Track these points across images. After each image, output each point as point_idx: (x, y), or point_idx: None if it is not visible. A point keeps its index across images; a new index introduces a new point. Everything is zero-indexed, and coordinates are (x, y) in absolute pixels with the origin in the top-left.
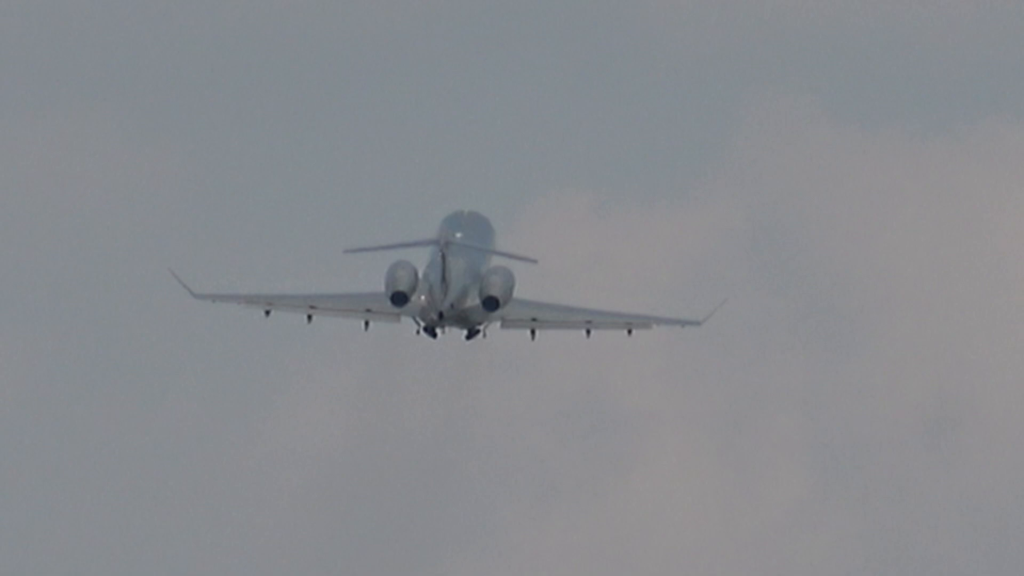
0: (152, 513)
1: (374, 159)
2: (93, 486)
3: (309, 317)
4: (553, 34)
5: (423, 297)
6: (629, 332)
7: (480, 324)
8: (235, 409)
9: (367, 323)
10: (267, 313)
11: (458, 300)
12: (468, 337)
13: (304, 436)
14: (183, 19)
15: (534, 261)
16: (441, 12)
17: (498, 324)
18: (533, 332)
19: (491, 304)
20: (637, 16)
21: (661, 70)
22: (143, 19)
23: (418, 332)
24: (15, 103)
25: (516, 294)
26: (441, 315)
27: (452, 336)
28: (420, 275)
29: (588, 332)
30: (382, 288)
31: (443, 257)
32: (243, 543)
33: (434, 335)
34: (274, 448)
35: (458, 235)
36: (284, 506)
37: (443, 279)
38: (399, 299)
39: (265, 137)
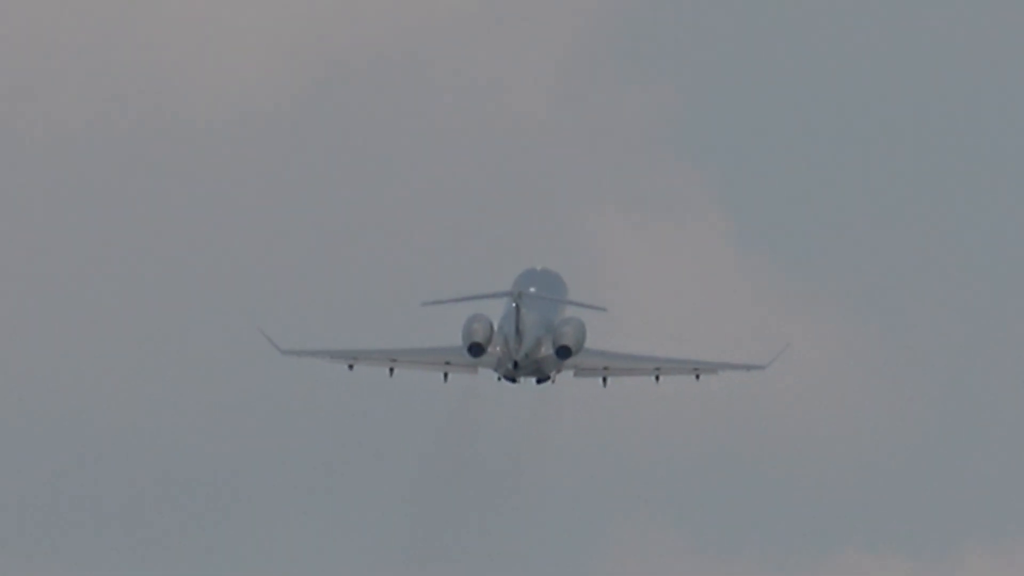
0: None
1: (450, 214)
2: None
3: (391, 371)
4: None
5: (499, 348)
6: (697, 377)
7: (553, 372)
8: (325, 458)
9: (446, 375)
10: (351, 367)
11: (532, 350)
12: (538, 383)
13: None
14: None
15: (603, 309)
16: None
17: (571, 372)
18: (604, 379)
19: (564, 353)
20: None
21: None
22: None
23: (499, 379)
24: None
25: (588, 343)
26: (516, 365)
27: (527, 384)
28: (495, 327)
29: (657, 378)
30: (459, 341)
31: (517, 308)
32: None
33: (514, 381)
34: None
35: (531, 289)
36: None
37: (517, 330)
38: (476, 350)
39: (343, 194)
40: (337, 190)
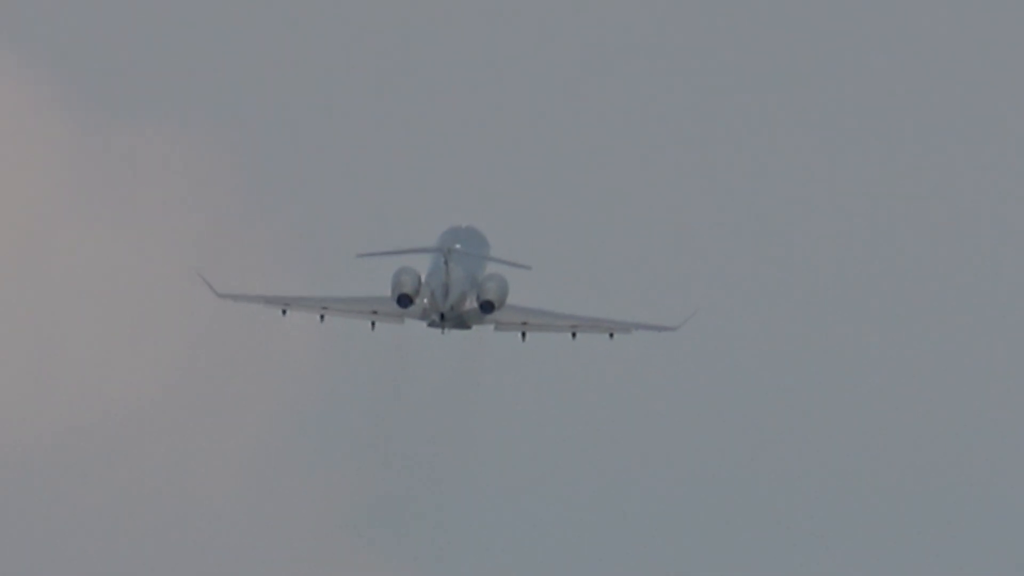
0: (161, 496)
1: (381, 170)
2: (117, 467)
3: (322, 317)
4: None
5: (426, 300)
6: (611, 336)
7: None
8: (255, 399)
9: (373, 323)
10: (284, 312)
11: (457, 303)
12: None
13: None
14: (206, 22)
15: (528, 267)
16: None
17: (492, 327)
18: (524, 334)
19: (487, 308)
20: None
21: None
22: (174, 21)
23: (429, 325)
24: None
25: (509, 300)
26: (442, 316)
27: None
28: (423, 280)
29: (573, 335)
30: (388, 292)
31: (446, 263)
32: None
33: (441, 330)
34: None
35: (457, 245)
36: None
37: (444, 284)
38: (404, 301)
39: (287, 146)
40: (281, 144)
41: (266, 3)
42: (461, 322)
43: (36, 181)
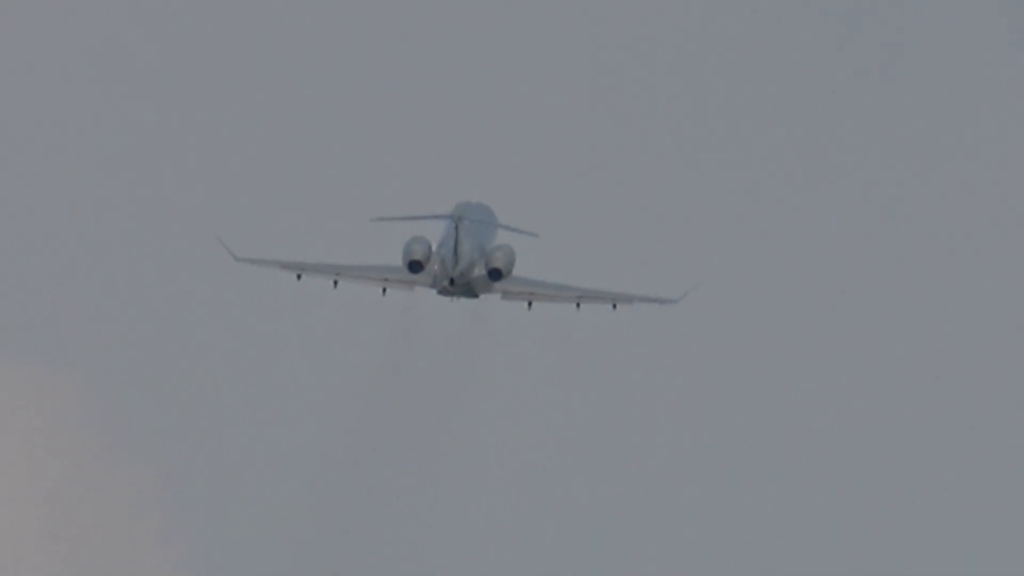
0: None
1: (397, 144)
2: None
3: (335, 283)
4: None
5: (436, 266)
6: (614, 307)
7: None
8: (269, 360)
9: (385, 289)
10: (299, 277)
11: (467, 270)
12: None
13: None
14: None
15: (535, 235)
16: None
17: (500, 296)
18: (530, 304)
19: (495, 275)
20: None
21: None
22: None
23: (439, 292)
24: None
25: (517, 270)
26: (452, 282)
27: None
28: (433, 248)
29: (578, 305)
30: (398, 260)
31: (456, 230)
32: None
33: (451, 298)
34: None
35: (468, 217)
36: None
37: (455, 251)
38: (415, 267)
39: (305, 121)
40: (300, 118)
41: None
42: (470, 290)
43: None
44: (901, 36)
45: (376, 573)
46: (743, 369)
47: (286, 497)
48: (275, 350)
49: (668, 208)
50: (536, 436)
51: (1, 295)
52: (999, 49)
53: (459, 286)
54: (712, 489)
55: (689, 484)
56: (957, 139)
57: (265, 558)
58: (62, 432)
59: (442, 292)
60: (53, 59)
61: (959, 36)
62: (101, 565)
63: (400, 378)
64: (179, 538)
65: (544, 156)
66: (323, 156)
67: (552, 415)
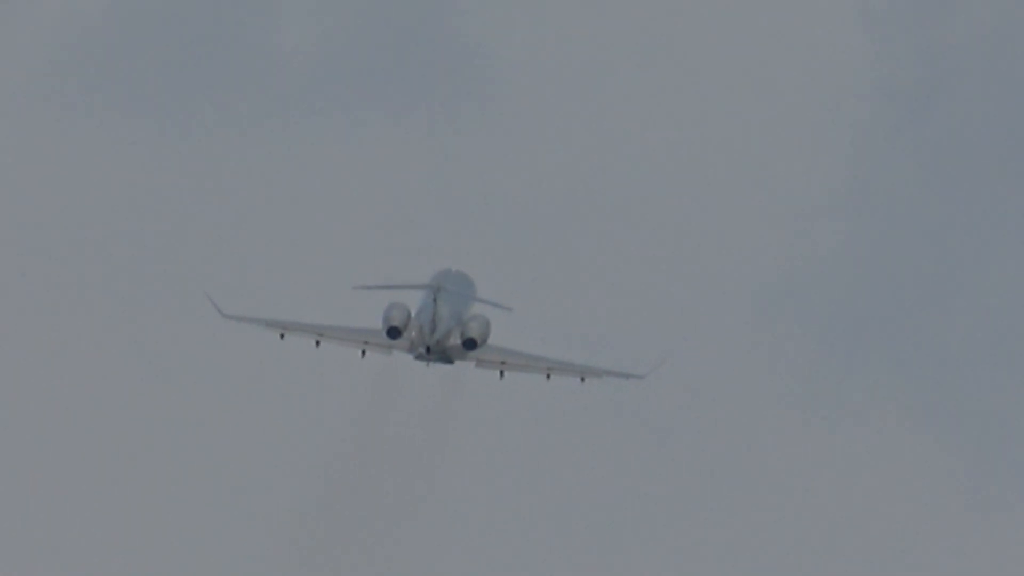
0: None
1: (383, 214)
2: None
3: (317, 343)
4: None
5: (414, 333)
6: (582, 380)
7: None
8: (249, 413)
9: (364, 352)
10: (282, 336)
11: (443, 338)
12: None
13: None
14: (214, 59)
15: (510, 309)
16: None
17: (473, 364)
18: (502, 372)
19: (470, 344)
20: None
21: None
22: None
23: (416, 357)
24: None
25: (491, 340)
26: (428, 349)
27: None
28: (412, 315)
29: (548, 376)
30: (379, 324)
31: (435, 300)
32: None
33: (426, 363)
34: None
35: (446, 286)
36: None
37: (432, 319)
38: (393, 333)
39: (294, 189)
40: (291, 185)
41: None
42: (445, 356)
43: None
44: None
45: None
46: (706, 445)
47: (257, 545)
48: (256, 404)
49: (638, 287)
50: (500, 499)
51: None
52: None
53: (435, 353)
54: (670, 557)
55: (645, 551)
56: None
57: None
58: (48, 479)
59: (419, 357)
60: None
61: None
62: None
63: (373, 437)
64: None
65: (523, 231)
66: (310, 222)
67: (517, 480)
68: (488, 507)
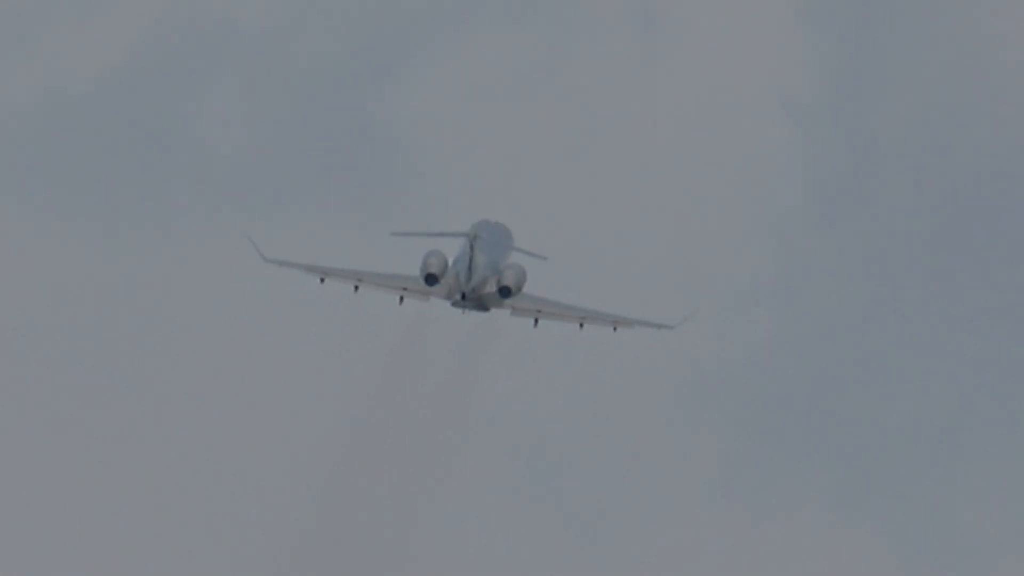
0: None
1: (425, 163)
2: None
3: (356, 288)
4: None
5: (451, 280)
6: (615, 329)
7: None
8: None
9: (402, 298)
10: (322, 281)
11: (479, 286)
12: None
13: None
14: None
15: (545, 258)
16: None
17: (509, 312)
18: (536, 321)
19: (505, 292)
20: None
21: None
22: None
23: (452, 304)
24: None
25: (527, 289)
26: (463, 296)
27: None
28: (449, 263)
29: (581, 325)
30: (417, 271)
31: (471, 248)
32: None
33: (462, 310)
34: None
35: (483, 235)
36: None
37: (469, 267)
38: (431, 280)
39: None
40: (338, 137)
41: None
42: (481, 304)
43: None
44: None
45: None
46: (731, 394)
47: (291, 492)
48: (294, 346)
49: (674, 238)
50: (529, 443)
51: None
52: None
53: (471, 300)
54: (694, 508)
55: (667, 500)
56: None
57: (268, 549)
58: (87, 423)
59: (455, 304)
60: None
61: None
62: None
63: (406, 380)
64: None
65: (562, 183)
66: (353, 171)
67: (546, 425)
68: (515, 445)
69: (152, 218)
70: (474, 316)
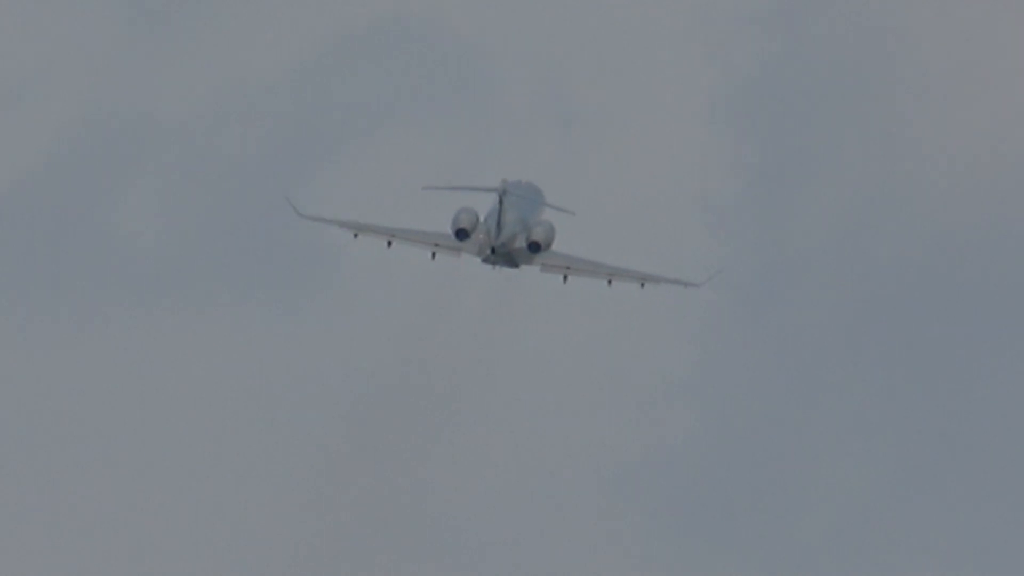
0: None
1: (459, 122)
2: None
3: (389, 243)
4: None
5: (481, 235)
6: (642, 285)
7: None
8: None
9: (434, 254)
10: (355, 236)
11: (508, 241)
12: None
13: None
14: None
15: (573, 213)
16: None
17: (538, 268)
18: (565, 277)
19: (534, 248)
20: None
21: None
22: None
23: (483, 260)
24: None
25: (557, 247)
26: (493, 250)
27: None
28: (480, 219)
29: (609, 282)
30: (448, 228)
31: (501, 202)
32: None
33: (493, 266)
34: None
35: (513, 192)
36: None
37: (498, 223)
38: (462, 235)
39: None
40: (372, 99)
41: None
42: (511, 260)
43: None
44: None
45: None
46: (756, 355)
47: (320, 435)
48: (329, 297)
49: (702, 197)
50: (551, 402)
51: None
52: None
53: (500, 255)
54: (704, 465)
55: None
56: None
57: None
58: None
59: (485, 260)
60: None
61: None
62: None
63: (436, 333)
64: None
65: (592, 145)
66: (389, 129)
67: (571, 381)
68: (541, 408)
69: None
70: (504, 271)
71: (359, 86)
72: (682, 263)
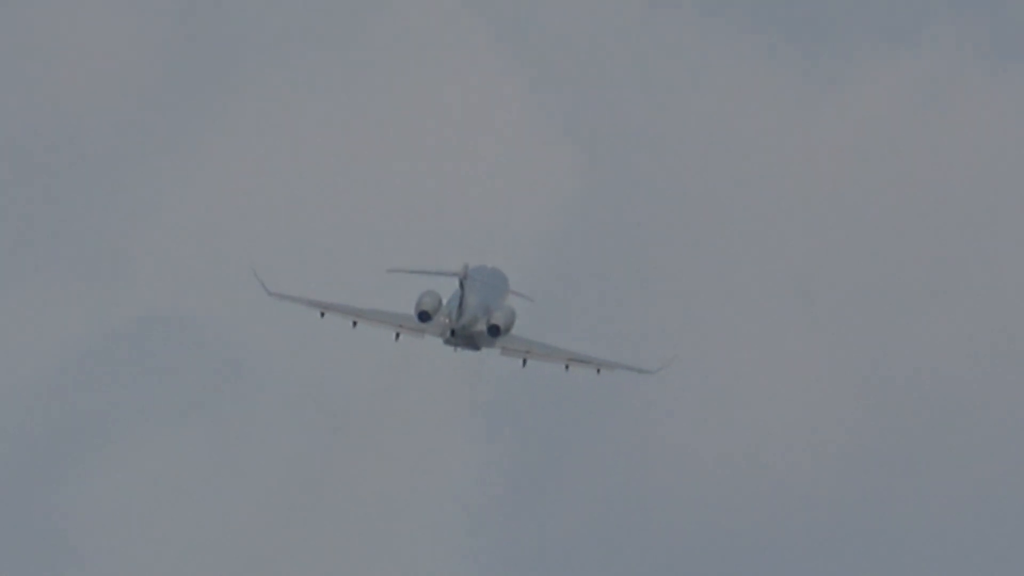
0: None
1: (425, 204)
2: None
3: (354, 323)
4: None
5: (444, 318)
6: (598, 371)
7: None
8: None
9: (398, 335)
10: (322, 315)
11: (469, 324)
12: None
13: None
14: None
15: (532, 300)
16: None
17: (498, 351)
18: (525, 361)
19: (494, 331)
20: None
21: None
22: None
23: (445, 342)
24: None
25: (516, 331)
26: (453, 333)
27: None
28: (443, 302)
29: (567, 367)
30: (412, 309)
31: (462, 285)
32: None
33: (454, 348)
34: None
35: (475, 276)
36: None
37: (460, 306)
38: (424, 317)
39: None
40: (336, 174)
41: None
42: (472, 342)
43: None
44: None
45: None
46: (707, 440)
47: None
48: (293, 373)
49: (660, 285)
50: (511, 476)
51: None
52: None
53: (461, 338)
54: (671, 549)
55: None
56: None
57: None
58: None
59: (447, 342)
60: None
61: None
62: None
63: (396, 410)
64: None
65: (555, 230)
66: (355, 211)
67: (529, 460)
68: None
69: None
70: (464, 354)
71: None
72: (638, 350)
